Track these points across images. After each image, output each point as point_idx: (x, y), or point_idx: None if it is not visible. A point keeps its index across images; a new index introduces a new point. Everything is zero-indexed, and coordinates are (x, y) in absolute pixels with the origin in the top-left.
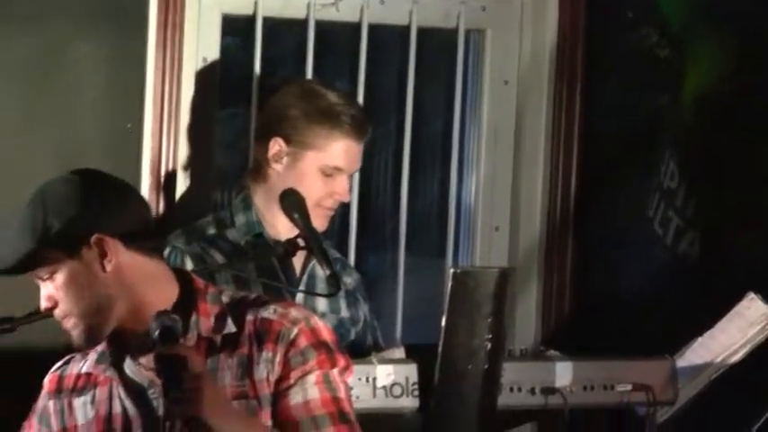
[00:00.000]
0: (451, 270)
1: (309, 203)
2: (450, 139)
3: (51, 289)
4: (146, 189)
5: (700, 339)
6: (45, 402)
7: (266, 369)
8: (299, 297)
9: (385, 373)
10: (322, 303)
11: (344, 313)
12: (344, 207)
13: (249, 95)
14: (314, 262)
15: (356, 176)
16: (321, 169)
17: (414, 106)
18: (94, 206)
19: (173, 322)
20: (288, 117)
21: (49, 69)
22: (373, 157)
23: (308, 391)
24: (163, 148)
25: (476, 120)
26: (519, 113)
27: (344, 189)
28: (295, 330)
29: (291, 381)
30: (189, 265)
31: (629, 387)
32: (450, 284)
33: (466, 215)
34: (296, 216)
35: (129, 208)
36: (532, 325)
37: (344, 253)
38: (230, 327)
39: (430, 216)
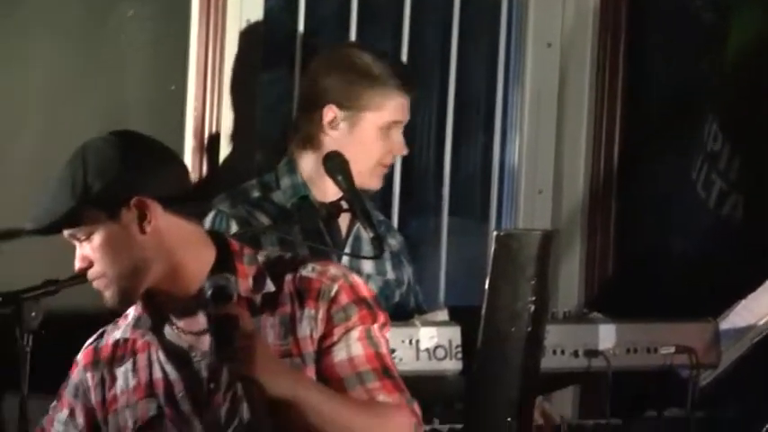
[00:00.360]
0: (495, 233)
1: (370, 164)
2: (493, 102)
3: (87, 250)
4: (189, 152)
5: (743, 302)
6: (81, 376)
7: (309, 326)
8: (345, 260)
9: (428, 336)
10: (368, 265)
11: (390, 275)
12: (388, 171)
13: (292, 57)
14: (359, 224)
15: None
16: (380, 127)
17: (457, 69)
18: (135, 168)
19: (226, 281)
20: (337, 85)
21: (93, 32)
22: (417, 121)
23: (352, 348)
24: (206, 111)
25: (519, 82)
26: (562, 76)
27: (401, 143)
28: (335, 287)
29: (335, 338)
30: (234, 229)
31: (672, 350)
32: (493, 247)
33: (509, 178)
34: (339, 178)
35: (170, 171)
36: (575, 287)
37: (388, 216)
38: (269, 286)
39: (473, 179)
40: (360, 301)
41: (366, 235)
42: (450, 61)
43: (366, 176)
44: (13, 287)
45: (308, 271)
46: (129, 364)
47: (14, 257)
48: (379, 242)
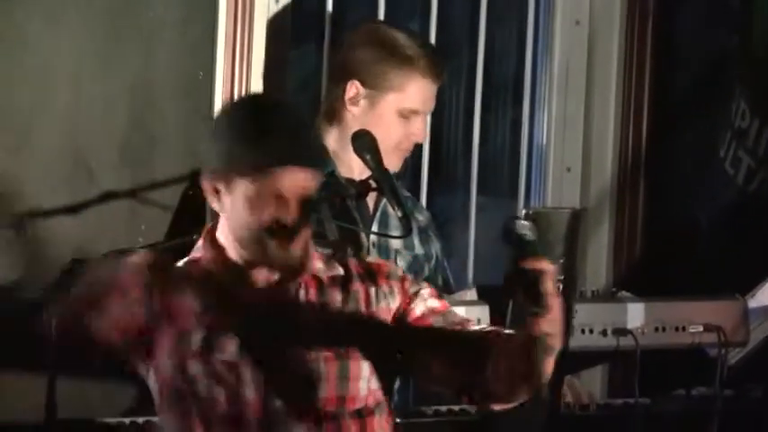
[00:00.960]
0: (523, 211)
1: (388, 145)
2: (521, 80)
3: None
4: None
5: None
6: None
7: (384, 300)
8: (373, 237)
9: None
10: (396, 242)
11: (419, 250)
12: (416, 147)
13: (322, 34)
14: (386, 201)
15: (428, 117)
16: (399, 111)
17: (485, 46)
18: None
19: (529, 230)
20: (364, 60)
21: (122, 15)
22: (445, 98)
23: (428, 302)
24: (235, 91)
25: (547, 60)
26: (590, 54)
27: (421, 130)
28: (399, 271)
29: (413, 302)
30: None
31: (701, 328)
32: None
33: (537, 156)
34: (367, 157)
35: None
36: (604, 266)
37: (416, 193)
38: (338, 269)
39: (502, 156)
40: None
41: (394, 212)
42: (479, 39)
43: (383, 158)
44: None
45: (369, 259)
46: None
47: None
48: (407, 221)
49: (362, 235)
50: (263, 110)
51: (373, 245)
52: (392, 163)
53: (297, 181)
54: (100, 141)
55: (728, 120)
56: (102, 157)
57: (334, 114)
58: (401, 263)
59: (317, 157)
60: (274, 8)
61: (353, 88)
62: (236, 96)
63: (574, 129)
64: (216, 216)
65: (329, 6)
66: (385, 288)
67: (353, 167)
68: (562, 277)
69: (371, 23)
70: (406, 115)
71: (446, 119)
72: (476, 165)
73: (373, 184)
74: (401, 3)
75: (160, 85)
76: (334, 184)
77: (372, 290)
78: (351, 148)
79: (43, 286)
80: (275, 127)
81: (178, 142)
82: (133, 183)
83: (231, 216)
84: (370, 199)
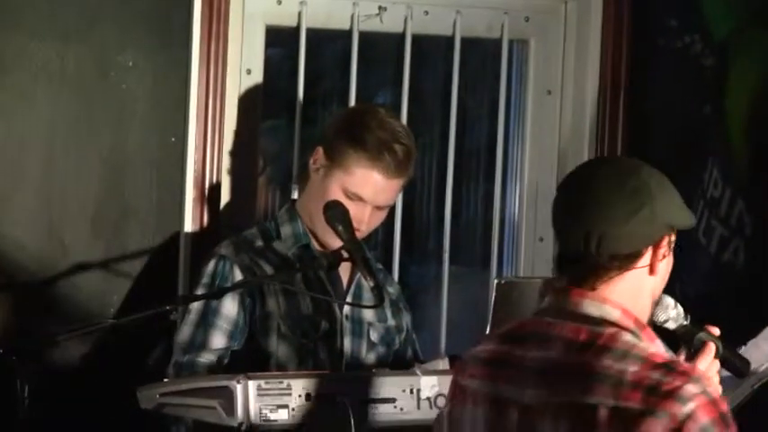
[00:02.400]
0: (496, 281)
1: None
2: (494, 150)
3: None
4: (190, 201)
5: (743, 348)
6: None
7: None
8: (347, 309)
9: (429, 385)
10: (368, 313)
11: (390, 321)
12: (389, 218)
13: (293, 107)
14: (359, 274)
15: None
16: (344, 191)
17: (457, 117)
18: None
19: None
20: (335, 131)
21: (95, 82)
22: (417, 168)
23: None
24: (207, 160)
25: (519, 130)
26: (562, 124)
27: (362, 219)
28: None
29: None
30: (238, 276)
31: None
32: (494, 295)
33: (510, 226)
34: (339, 228)
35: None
36: None
37: (389, 263)
38: None
39: (474, 226)
40: None
41: (367, 283)
42: (451, 108)
43: (322, 230)
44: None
45: None
46: None
47: (13, 308)
48: (379, 291)
49: (336, 307)
50: None
51: (346, 317)
52: (327, 238)
53: None
54: (72, 213)
55: (701, 189)
56: (74, 229)
57: (301, 178)
58: (374, 335)
59: None
60: (246, 78)
61: (317, 154)
62: (207, 168)
63: (546, 199)
64: None
65: (301, 77)
66: None
67: (326, 231)
68: None
69: (373, 105)
70: (351, 197)
71: (418, 189)
72: (448, 235)
73: (345, 255)
74: (373, 74)
75: (133, 157)
76: (307, 257)
77: None
78: (312, 212)
79: None
80: None
81: (150, 213)
82: (105, 254)
83: None
84: (344, 272)
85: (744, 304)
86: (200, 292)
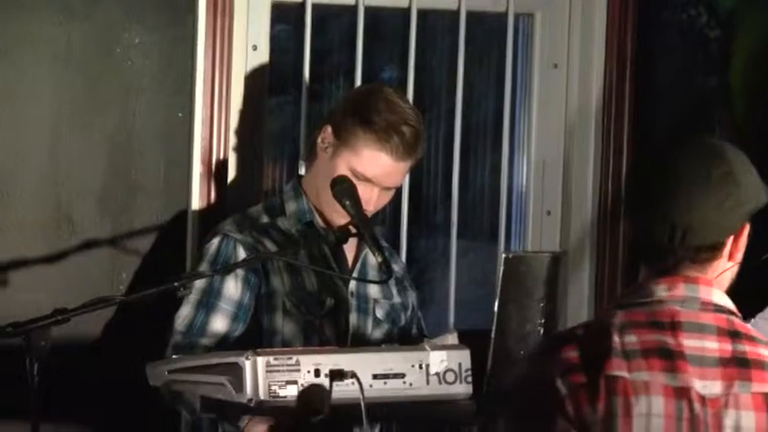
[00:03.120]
0: (503, 255)
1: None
2: (500, 124)
3: None
4: (197, 177)
5: (753, 320)
6: None
7: None
8: (352, 285)
9: (438, 360)
10: (374, 289)
11: (396, 299)
12: (396, 194)
13: (299, 83)
14: (366, 249)
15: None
16: (351, 171)
17: (464, 91)
18: None
19: None
20: (344, 110)
21: (100, 59)
22: (425, 143)
23: None
24: (214, 137)
25: (526, 104)
26: (569, 97)
27: (369, 199)
28: None
29: None
30: (242, 254)
31: None
32: (501, 269)
33: (518, 199)
34: (347, 203)
35: None
36: (585, 309)
37: (396, 239)
38: None
39: (482, 201)
40: None
41: (372, 260)
42: (457, 83)
43: (328, 207)
44: (21, 317)
45: None
46: None
47: (22, 287)
48: (387, 266)
49: (341, 284)
50: None
51: (352, 294)
52: (334, 217)
53: None
54: (80, 190)
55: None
56: (82, 207)
57: (309, 154)
58: (379, 312)
59: None
60: (252, 54)
61: (325, 132)
62: (214, 144)
63: (553, 172)
64: None
65: (307, 53)
66: None
67: (322, 210)
68: (543, 320)
69: (382, 84)
70: (358, 178)
71: (425, 164)
72: (456, 209)
73: (353, 231)
74: (379, 49)
75: (140, 134)
76: (312, 234)
77: None
78: (319, 190)
79: None
80: None
81: (158, 190)
82: (113, 231)
83: None
84: (350, 250)
85: (750, 280)
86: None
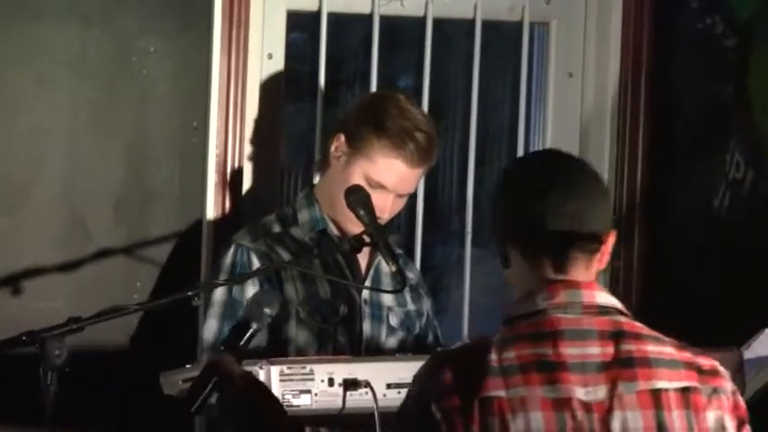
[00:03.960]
0: None
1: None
2: (515, 133)
3: None
4: (212, 187)
5: (766, 330)
6: None
7: None
8: (366, 293)
9: None
10: (388, 298)
11: (410, 306)
12: (411, 201)
13: (315, 91)
14: (379, 257)
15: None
16: (366, 179)
17: (479, 100)
18: None
19: None
20: (356, 118)
21: (116, 68)
22: (440, 151)
23: None
24: (229, 146)
25: (541, 113)
26: (584, 106)
27: (383, 207)
28: None
29: None
30: (255, 263)
31: None
32: None
33: None
34: (361, 212)
35: None
36: None
37: (411, 246)
38: None
39: None
40: None
41: (386, 267)
42: (473, 91)
43: (342, 216)
44: (36, 325)
45: None
46: None
47: (37, 295)
48: (401, 276)
49: (355, 292)
50: None
51: (365, 302)
52: (348, 225)
53: None
54: (95, 199)
55: (723, 170)
56: (97, 215)
57: (322, 164)
58: (393, 320)
59: None
60: (267, 63)
61: (338, 142)
62: (229, 153)
63: None
64: None
65: (322, 61)
66: None
67: (336, 219)
68: None
69: (386, 90)
70: (372, 185)
71: (440, 171)
72: (470, 217)
73: (367, 239)
74: (394, 57)
75: (155, 142)
76: (325, 242)
77: None
78: (333, 199)
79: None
80: None
81: (173, 199)
82: (128, 239)
83: None
84: (363, 257)
85: (766, 287)
86: None
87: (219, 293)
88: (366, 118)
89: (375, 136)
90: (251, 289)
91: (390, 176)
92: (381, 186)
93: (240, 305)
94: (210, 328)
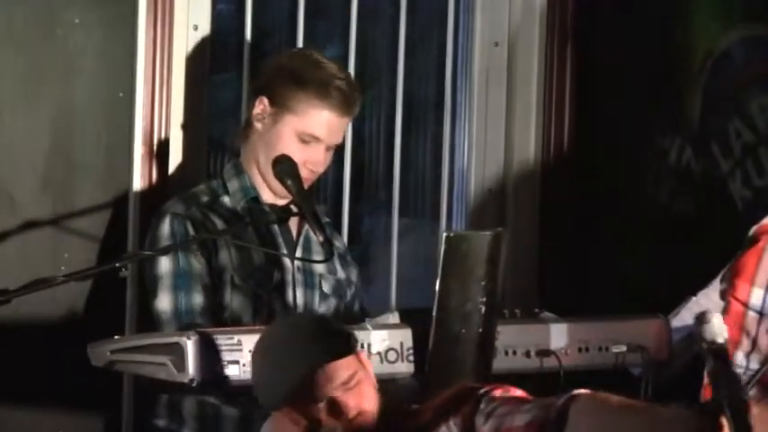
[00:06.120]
0: (444, 234)
1: None
2: (442, 102)
3: None
4: (138, 158)
5: (694, 299)
6: None
7: None
8: (297, 261)
9: (380, 339)
10: (320, 266)
11: (341, 274)
12: (338, 171)
13: (241, 62)
14: (308, 226)
15: (349, 140)
16: (298, 134)
17: (405, 69)
18: None
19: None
20: (275, 78)
21: (41, 39)
22: (366, 121)
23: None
24: (155, 117)
25: (467, 82)
26: (510, 75)
27: (319, 159)
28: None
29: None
30: (191, 231)
31: (624, 348)
32: (443, 248)
33: (459, 178)
34: (288, 182)
35: None
36: (531, 287)
37: (338, 217)
38: None
39: (423, 179)
40: None
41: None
42: (399, 61)
43: (272, 180)
44: None
45: None
46: None
47: None
48: (329, 245)
49: (286, 260)
50: None
51: (298, 269)
52: (281, 190)
53: None
54: (21, 170)
55: (651, 138)
56: (23, 187)
57: (245, 132)
58: (326, 286)
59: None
60: (193, 34)
61: (260, 104)
62: (156, 123)
63: (495, 150)
64: None
65: (248, 32)
66: None
67: (272, 182)
68: (484, 299)
69: (298, 49)
70: (305, 140)
71: (367, 142)
72: (397, 188)
73: (294, 209)
74: (320, 27)
75: (81, 114)
76: (257, 210)
77: None
78: (266, 163)
79: None
80: None
81: (99, 169)
82: (55, 211)
83: None
84: (293, 224)
85: (696, 251)
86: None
87: (165, 266)
88: (285, 76)
89: (299, 90)
90: (192, 256)
91: (321, 127)
92: (315, 138)
93: (189, 275)
94: (165, 301)
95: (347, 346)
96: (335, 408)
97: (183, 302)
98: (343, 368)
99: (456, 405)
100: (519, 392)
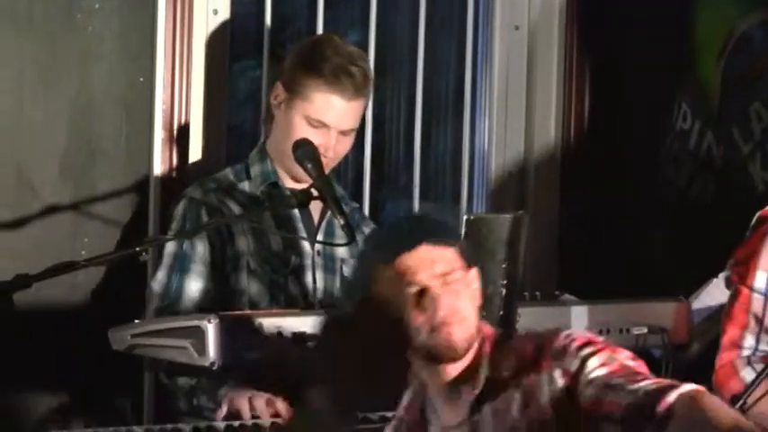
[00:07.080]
0: (465, 217)
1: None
2: (462, 87)
3: None
4: (158, 143)
5: (714, 280)
6: None
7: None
8: (318, 245)
9: None
10: (342, 251)
11: None
12: (359, 156)
13: (261, 49)
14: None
15: (368, 125)
16: (307, 119)
17: (425, 55)
18: None
19: None
20: (289, 64)
21: (60, 25)
22: (387, 105)
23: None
24: (175, 102)
25: (487, 66)
26: (530, 59)
27: (327, 145)
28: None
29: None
30: (205, 216)
31: (645, 330)
32: (463, 231)
33: (480, 161)
34: (309, 166)
35: None
36: (551, 269)
37: (359, 202)
38: None
39: (444, 163)
40: None
41: (337, 221)
42: (419, 46)
43: (293, 165)
44: None
45: None
46: None
47: None
48: (350, 229)
49: (307, 244)
50: None
51: (318, 253)
52: (294, 169)
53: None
54: (42, 156)
55: (670, 122)
56: (44, 173)
57: (267, 118)
58: (347, 271)
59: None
60: (213, 19)
61: (277, 89)
62: (176, 109)
63: (515, 134)
64: None
65: (268, 18)
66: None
67: (294, 169)
68: (505, 281)
69: (325, 33)
70: (314, 125)
71: (388, 127)
72: (418, 172)
73: (315, 193)
74: (341, 14)
75: (101, 99)
76: (276, 195)
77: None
78: (286, 150)
79: None
80: None
81: (120, 155)
82: (75, 196)
83: None
84: (315, 209)
85: (714, 236)
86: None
87: (169, 246)
88: (299, 61)
89: (308, 76)
90: (199, 242)
91: (329, 113)
92: (322, 124)
93: (189, 259)
94: (159, 279)
95: (453, 237)
96: (425, 299)
97: (174, 283)
98: (443, 259)
99: (557, 355)
100: (624, 354)
